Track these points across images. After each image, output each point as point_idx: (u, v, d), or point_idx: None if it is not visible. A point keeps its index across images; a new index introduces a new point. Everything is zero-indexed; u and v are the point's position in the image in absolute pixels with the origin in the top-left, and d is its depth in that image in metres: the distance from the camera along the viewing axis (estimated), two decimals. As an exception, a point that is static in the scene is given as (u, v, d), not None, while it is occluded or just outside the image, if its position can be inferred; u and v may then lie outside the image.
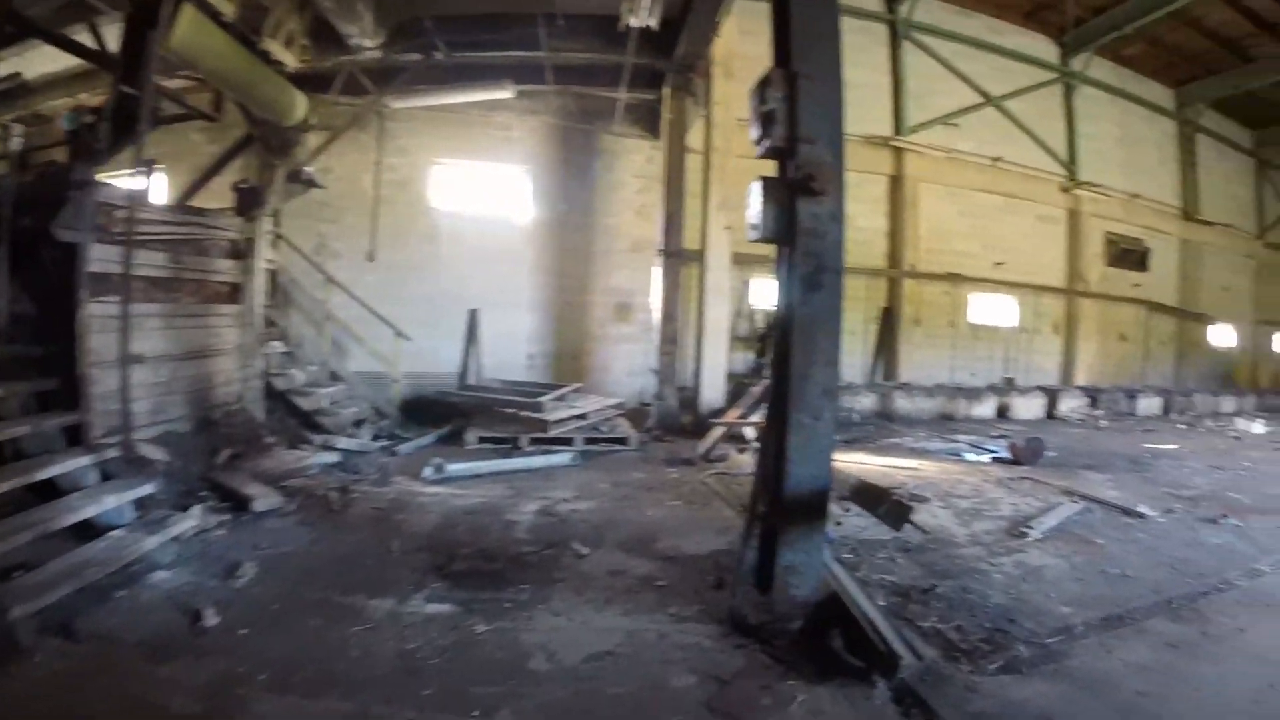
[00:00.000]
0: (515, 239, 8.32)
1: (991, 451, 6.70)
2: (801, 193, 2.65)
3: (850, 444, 6.66)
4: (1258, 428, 9.56)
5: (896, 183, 10.63)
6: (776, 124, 2.66)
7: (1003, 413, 9.32)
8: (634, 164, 8.66)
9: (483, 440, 6.10)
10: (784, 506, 2.73)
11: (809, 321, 2.75)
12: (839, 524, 3.93)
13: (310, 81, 6.15)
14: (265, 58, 5.14)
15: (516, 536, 3.80)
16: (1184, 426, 9.68)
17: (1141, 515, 4.60)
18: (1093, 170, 12.07)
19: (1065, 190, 11.64)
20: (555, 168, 8.45)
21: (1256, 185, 16.82)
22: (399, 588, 2.97)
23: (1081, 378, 11.44)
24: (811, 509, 2.76)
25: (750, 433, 6.20)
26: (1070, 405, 9.70)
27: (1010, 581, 3.31)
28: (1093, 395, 9.98)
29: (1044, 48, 12.27)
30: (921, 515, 4.17)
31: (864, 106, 10.32)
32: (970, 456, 6.55)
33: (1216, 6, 11.29)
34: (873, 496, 3.71)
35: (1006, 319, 11.14)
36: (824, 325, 2.78)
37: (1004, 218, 11.23)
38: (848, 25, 2.98)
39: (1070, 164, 11.92)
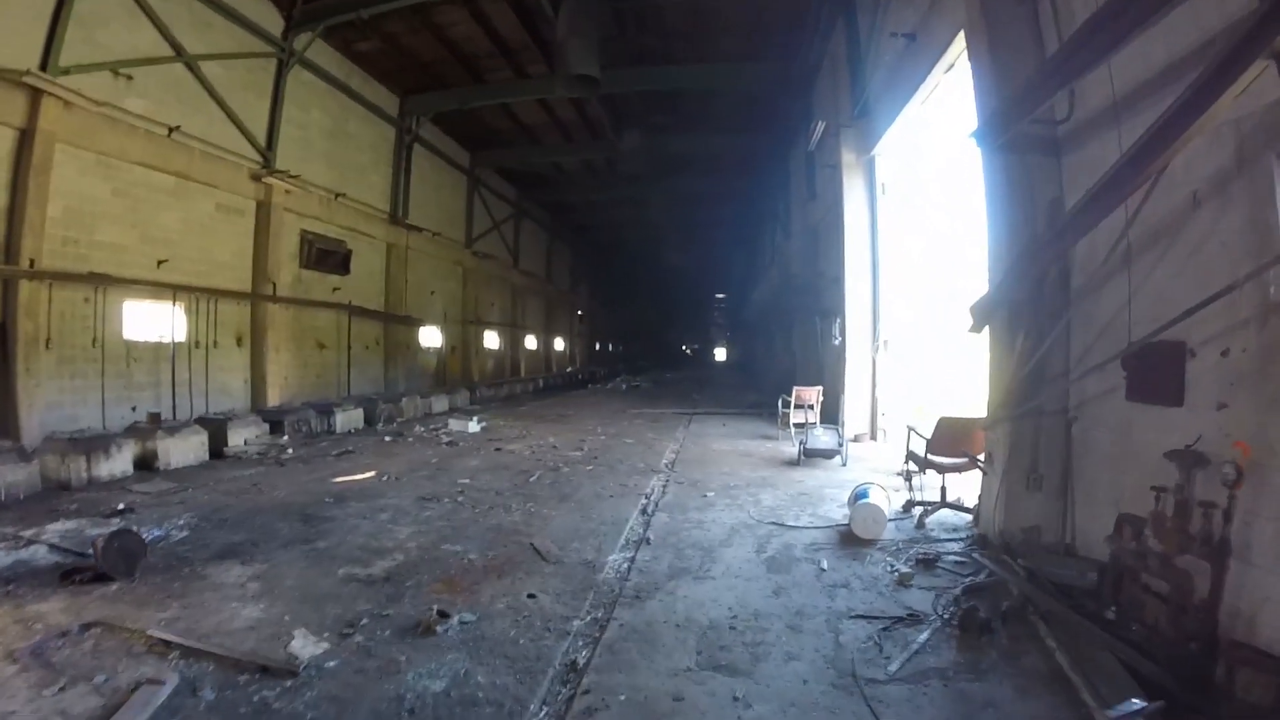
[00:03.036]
0: None
1: (75, 556, 5.19)
2: None
3: None
4: (473, 426, 12.72)
5: (26, 140, 9.36)
6: None
7: (148, 464, 8.97)
8: None
9: None
10: None
11: None
12: None
13: None
14: None
15: None
16: (390, 439, 11.95)
17: (292, 669, 3.48)
18: (294, 161, 14.11)
19: (257, 179, 13.14)
20: None
21: (468, 199, 23.87)
22: None
23: (276, 395, 13.33)
24: None
25: None
26: (247, 436, 10.73)
27: None
28: (277, 419, 11.51)
29: (268, 14, 13.49)
30: None
31: (-5, 18, 8.77)
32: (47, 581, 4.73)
33: (462, 18, 14.93)
34: None
35: (174, 331, 11.64)
36: None
37: (173, 204, 11.69)
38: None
39: (267, 149, 13.55)
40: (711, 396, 21.87)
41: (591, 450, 10.64)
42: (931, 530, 5.90)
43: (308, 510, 6.60)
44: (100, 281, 10.45)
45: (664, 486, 7.85)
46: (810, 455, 9.09)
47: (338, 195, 15.69)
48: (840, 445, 9.08)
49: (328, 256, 15.52)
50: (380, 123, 17.93)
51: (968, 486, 6.55)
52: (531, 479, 8.33)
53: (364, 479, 8.30)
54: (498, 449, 10.75)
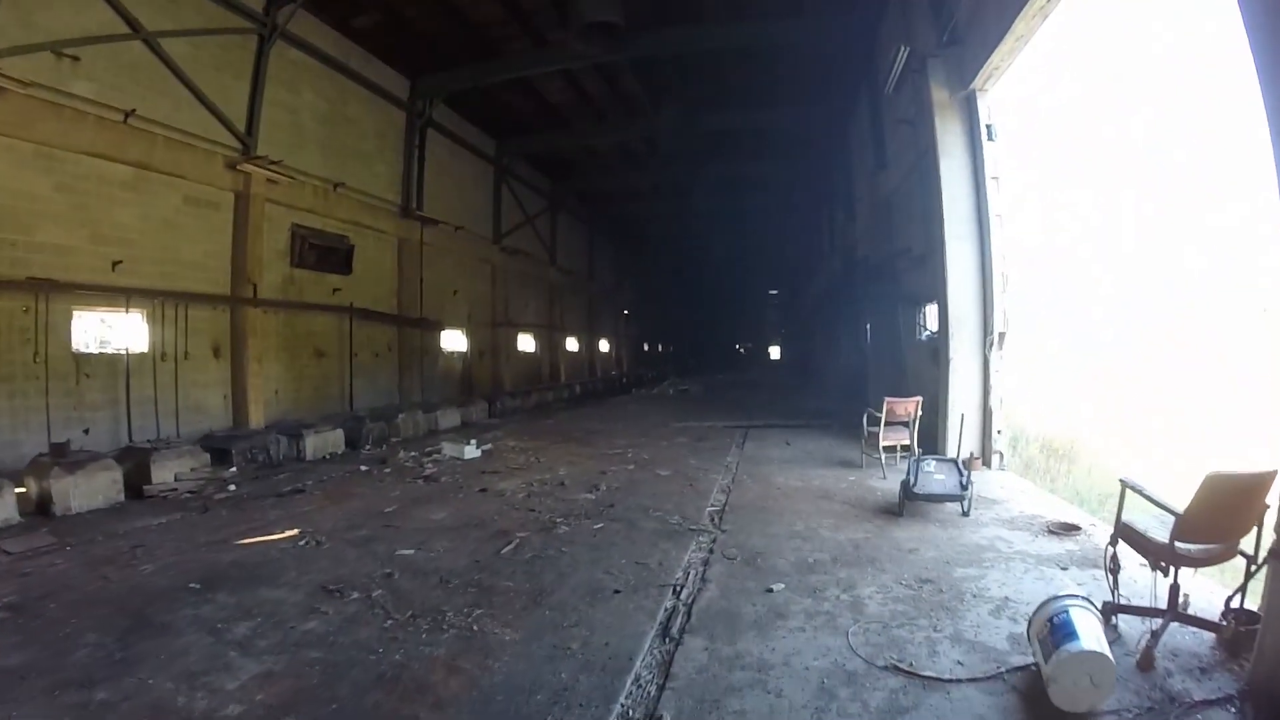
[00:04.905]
0: None
1: None
2: None
3: None
4: (469, 451, 10.46)
5: (-59, 132, 8.32)
6: None
7: (44, 508, 7.18)
8: None
9: None
10: None
11: None
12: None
13: None
14: None
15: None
16: (365, 469, 9.73)
17: None
18: (282, 148, 12.74)
19: (234, 168, 11.75)
20: None
21: (496, 190, 22.35)
22: None
23: (260, 413, 11.93)
24: None
25: None
26: (179, 470, 8.71)
27: None
28: (223, 447, 9.72)
29: (247, -15, 12.22)
30: None
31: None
32: None
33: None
34: None
35: (135, 342, 10.33)
36: None
37: (131, 198, 10.44)
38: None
39: (247, 135, 12.19)
40: (768, 403, 19.25)
41: (610, 491, 8.02)
42: (1169, 673, 3.32)
43: (150, 608, 4.48)
44: (42, 288, 9.22)
45: (704, 565, 5.25)
46: (916, 499, 6.50)
47: (336, 185, 14.27)
48: (964, 486, 6.46)
49: (326, 254, 14.10)
50: (387, 106, 16.49)
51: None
52: (506, 548, 5.74)
53: (279, 540, 6.13)
54: (483, 489, 8.24)
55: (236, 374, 11.82)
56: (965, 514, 6.41)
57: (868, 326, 17.05)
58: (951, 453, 8.28)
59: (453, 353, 19.52)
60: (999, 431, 8.73)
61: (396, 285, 16.67)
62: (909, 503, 6.55)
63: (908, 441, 8.57)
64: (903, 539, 5.77)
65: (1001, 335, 8.69)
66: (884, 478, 8.15)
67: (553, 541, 5.98)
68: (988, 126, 8.74)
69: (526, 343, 24.96)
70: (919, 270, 11.27)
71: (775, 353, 58.83)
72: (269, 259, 12.61)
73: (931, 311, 11.24)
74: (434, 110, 17.97)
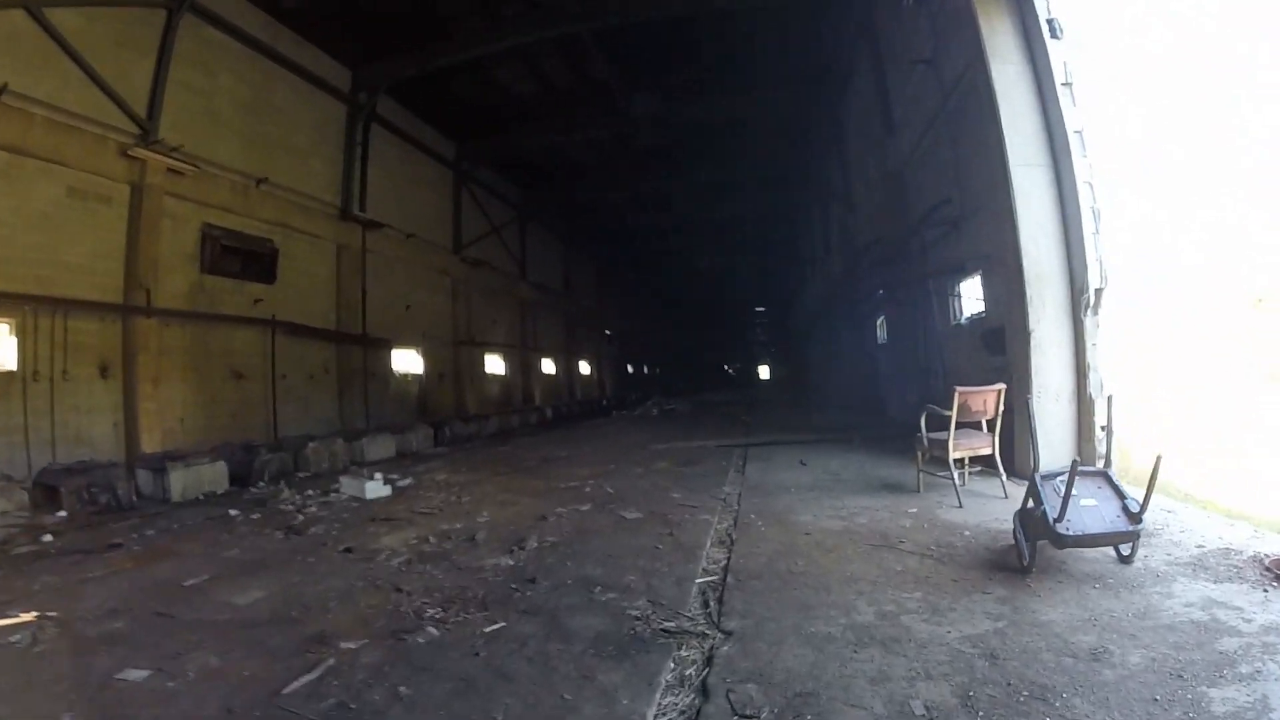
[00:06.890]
0: None
1: None
2: None
3: None
4: (374, 489, 8.70)
5: None
6: None
7: None
8: None
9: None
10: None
11: None
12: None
13: None
14: None
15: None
16: (235, 513, 7.94)
17: None
18: (191, 135, 11.69)
19: (130, 155, 10.63)
20: None
21: (455, 196, 21.35)
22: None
23: (157, 443, 10.64)
24: None
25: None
26: None
27: None
28: (52, 485, 8.41)
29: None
30: None
31: None
32: None
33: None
34: None
35: (2, 358, 9.15)
36: None
37: (1, 187, 9.25)
38: None
39: (148, 119, 11.09)
40: (768, 419, 17.93)
41: (540, 550, 5.64)
42: None
43: None
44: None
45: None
46: (1063, 543, 4.19)
47: (259, 181, 13.17)
48: (1136, 516, 4.14)
49: (246, 259, 12.93)
50: (324, 97, 15.49)
51: None
52: (301, 679, 3.33)
53: (9, 627, 4.22)
54: (348, 549, 5.97)
55: (129, 399, 10.55)
56: (1127, 559, 4.40)
57: (879, 322, 16.05)
58: (1048, 461, 5.61)
59: (406, 375, 18.30)
60: (1103, 428, 6.32)
61: (335, 297, 15.50)
62: (1028, 544, 4.37)
63: (987, 450, 6.68)
64: (1062, 625, 3.47)
65: (1098, 293, 6.84)
66: (959, 505, 6.22)
67: (395, 666, 3.47)
68: (1049, 21, 7.13)
69: (495, 364, 23.80)
70: (955, 235, 10.30)
71: (764, 372, 58.82)
72: (174, 263, 11.43)
73: (971, 286, 10.24)
74: (379, 103, 16.95)
